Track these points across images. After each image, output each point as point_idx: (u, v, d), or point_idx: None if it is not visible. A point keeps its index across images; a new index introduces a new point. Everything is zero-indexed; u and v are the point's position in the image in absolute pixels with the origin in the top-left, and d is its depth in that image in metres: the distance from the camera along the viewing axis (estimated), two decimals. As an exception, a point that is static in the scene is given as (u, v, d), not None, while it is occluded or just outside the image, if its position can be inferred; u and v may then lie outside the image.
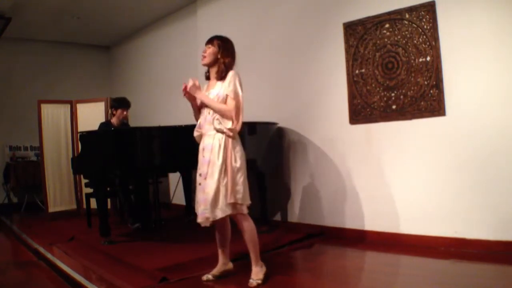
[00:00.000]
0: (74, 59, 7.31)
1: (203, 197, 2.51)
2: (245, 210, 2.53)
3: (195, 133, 2.68)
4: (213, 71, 2.62)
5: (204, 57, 2.61)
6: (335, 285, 2.59)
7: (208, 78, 2.71)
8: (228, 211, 2.46)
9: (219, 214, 2.45)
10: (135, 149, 3.52)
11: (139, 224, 4.33)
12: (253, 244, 2.56)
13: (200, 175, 2.58)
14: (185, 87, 2.58)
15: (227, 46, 2.61)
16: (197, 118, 2.70)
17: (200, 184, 2.57)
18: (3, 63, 6.63)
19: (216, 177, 2.45)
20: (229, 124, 2.50)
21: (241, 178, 2.50)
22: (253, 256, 2.57)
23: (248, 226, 2.54)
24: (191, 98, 2.62)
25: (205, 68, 2.68)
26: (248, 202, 2.54)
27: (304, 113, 4.13)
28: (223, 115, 2.51)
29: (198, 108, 2.67)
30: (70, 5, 5.47)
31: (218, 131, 2.51)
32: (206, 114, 2.59)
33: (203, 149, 2.58)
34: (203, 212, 2.48)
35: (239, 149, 2.55)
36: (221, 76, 2.58)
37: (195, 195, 2.65)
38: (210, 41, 2.62)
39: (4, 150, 6.58)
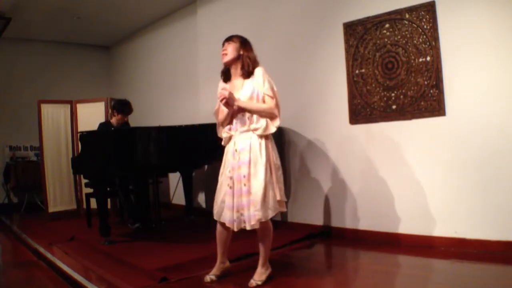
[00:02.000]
0: (74, 59, 7.31)
1: (237, 202, 2.45)
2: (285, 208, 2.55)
3: (225, 135, 2.59)
4: (237, 69, 2.55)
5: (225, 54, 2.53)
6: (335, 284, 2.59)
7: (226, 78, 2.62)
8: (278, 209, 2.46)
9: (271, 213, 2.43)
10: (135, 149, 3.51)
11: (139, 224, 4.33)
12: (267, 246, 2.56)
13: (231, 178, 2.50)
14: (223, 97, 2.43)
15: (247, 42, 2.58)
16: (225, 120, 2.59)
17: (231, 187, 2.48)
18: (3, 63, 6.63)
19: (262, 176, 2.40)
20: (271, 129, 2.48)
21: (281, 176, 2.53)
22: (262, 257, 2.56)
23: (268, 228, 2.53)
24: (229, 106, 2.49)
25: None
26: (285, 199, 2.55)
27: (304, 113, 4.13)
28: (265, 115, 2.46)
29: (231, 113, 2.56)
30: (70, 5, 5.47)
31: (260, 136, 2.46)
32: (241, 115, 2.52)
33: (236, 151, 2.49)
34: (254, 214, 2.38)
35: (275, 147, 2.56)
36: (248, 72, 2.51)
37: (218, 197, 2.56)
38: (229, 39, 2.56)
39: (4, 150, 6.58)
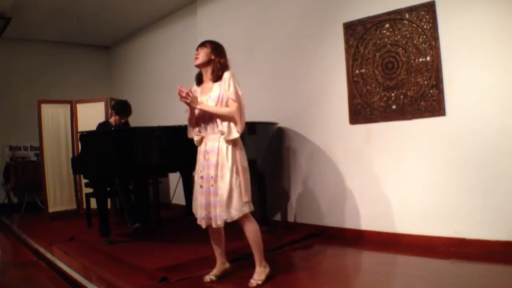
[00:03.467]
0: (74, 59, 7.31)
1: (206, 200, 2.53)
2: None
3: (196, 137, 2.65)
4: (208, 72, 2.62)
5: (197, 58, 2.62)
6: (335, 285, 2.59)
7: (199, 81, 2.70)
8: (246, 210, 2.48)
9: (236, 214, 2.46)
10: (135, 149, 3.51)
11: (139, 224, 4.33)
12: (257, 245, 2.56)
13: (201, 177, 2.58)
14: (181, 93, 2.50)
15: (219, 48, 2.65)
16: (191, 121, 2.65)
17: (201, 186, 2.57)
18: (3, 63, 6.63)
19: (228, 179, 2.46)
20: (234, 134, 2.50)
21: (248, 177, 2.57)
22: (257, 256, 2.57)
23: (252, 227, 2.54)
24: (191, 106, 2.58)
25: None
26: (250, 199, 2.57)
27: (304, 113, 4.13)
28: (228, 119, 2.51)
29: (195, 114, 2.62)
30: (70, 5, 5.47)
31: (227, 141, 2.49)
32: (207, 118, 2.57)
33: (207, 152, 2.56)
34: (220, 214, 2.46)
35: (244, 149, 2.59)
36: (217, 77, 2.57)
37: (194, 196, 2.66)
38: (201, 44, 2.65)
39: (4, 150, 6.58)
